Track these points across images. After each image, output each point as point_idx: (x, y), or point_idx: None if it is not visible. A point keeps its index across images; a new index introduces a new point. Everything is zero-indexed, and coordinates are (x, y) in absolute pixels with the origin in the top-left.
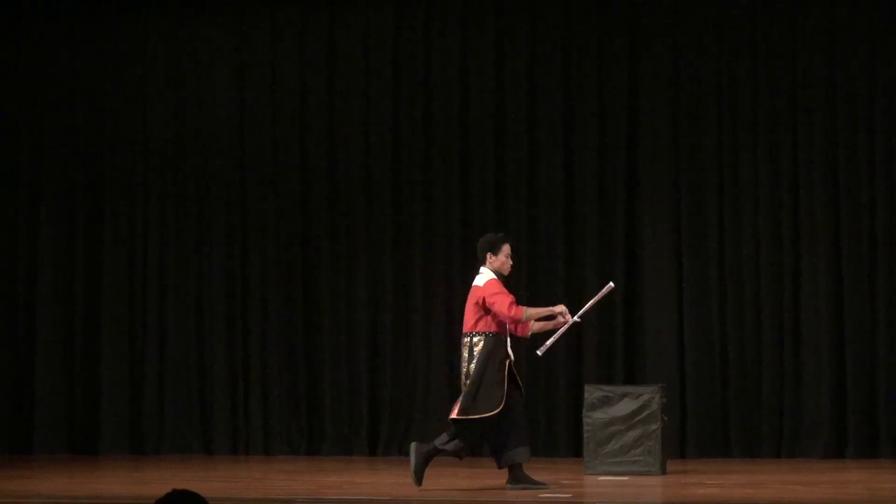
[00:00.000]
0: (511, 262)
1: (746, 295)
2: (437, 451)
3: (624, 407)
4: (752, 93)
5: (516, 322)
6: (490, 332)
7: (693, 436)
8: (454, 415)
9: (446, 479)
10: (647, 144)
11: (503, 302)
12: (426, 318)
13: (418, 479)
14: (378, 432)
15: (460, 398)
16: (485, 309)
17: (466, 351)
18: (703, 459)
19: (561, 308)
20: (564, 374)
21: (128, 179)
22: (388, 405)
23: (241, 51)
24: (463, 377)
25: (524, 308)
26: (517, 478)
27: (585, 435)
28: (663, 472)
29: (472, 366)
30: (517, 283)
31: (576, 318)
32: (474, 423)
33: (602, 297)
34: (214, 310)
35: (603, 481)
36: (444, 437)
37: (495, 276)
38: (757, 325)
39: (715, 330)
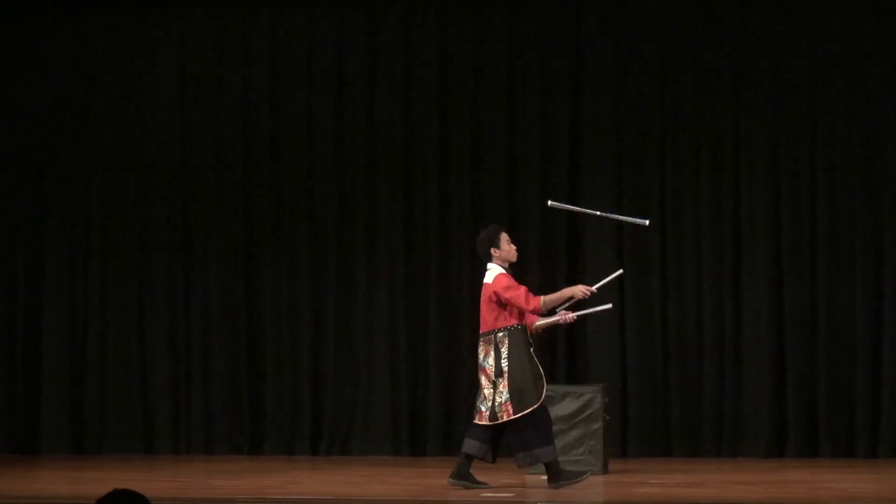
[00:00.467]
0: (515, 248)
1: (688, 295)
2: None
3: (566, 406)
4: (693, 98)
5: (538, 313)
6: (512, 326)
7: (635, 435)
8: (509, 416)
9: (391, 478)
10: (590, 150)
11: (518, 296)
12: (368, 319)
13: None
14: (320, 432)
15: (499, 399)
16: (500, 304)
17: (492, 349)
18: (644, 459)
19: (578, 289)
20: None
21: (70, 180)
22: (331, 405)
23: (184, 53)
24: (489, 376)
25: (541, 298)
26: (559, 475)
27: None
28: (605, 471)
29: (504, 363)
30: (459, 286)
31: (575, 315)
32: (526, 418)
33: (598, 312)
34: (156, 309)
35: (545, 480)
36: (473, 443)
37: (503, 270)
38: (698, 325)
39: (656, 330)
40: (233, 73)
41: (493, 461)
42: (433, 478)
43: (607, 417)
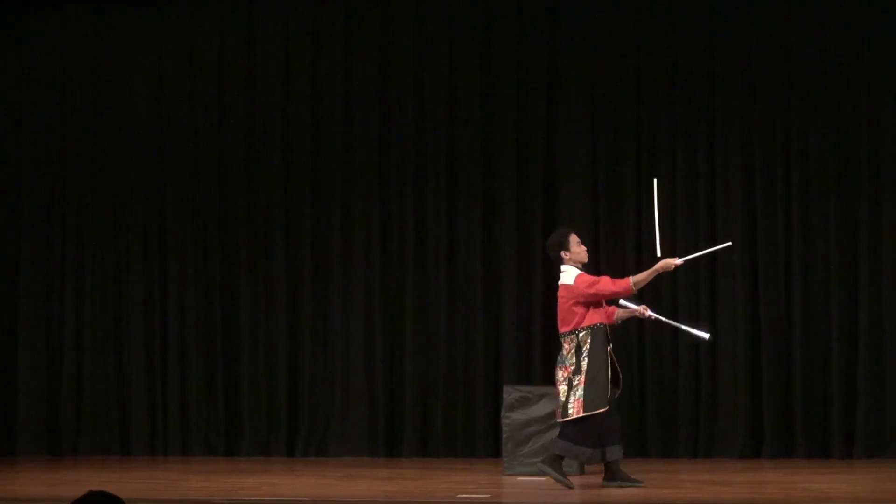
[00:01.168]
0: (584, 248)
1: (663, 296)
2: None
3: (542, 408)
4: (669, 99)
5: (630, 293)
6: (595, 325)
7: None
8: (578, 414)
9: (367, 479)
10: (565, 153)
11: (605, 284)
12: (344, 321)
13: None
14: (296, 433)
15: (573, 396)
16: (586, 304)
17: (573, 347)
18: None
19: (668, 263)
20: (483, 375)
21: (46, 179)
22: (307, 406)
23: (159, 48)
24: (567, 375)
25: (629, 279)
26: (615, 475)
27: (504, 436)
28: (581, 472)
29: (584, 362)
30: (436, 287)
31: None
32: (593, 419)
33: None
34: (132, 310)
35: (521, 482)
36: (562, 443)
37: (580, 269)
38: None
39: (632, 331)
40: (208, 73)
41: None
42: (409, 478)
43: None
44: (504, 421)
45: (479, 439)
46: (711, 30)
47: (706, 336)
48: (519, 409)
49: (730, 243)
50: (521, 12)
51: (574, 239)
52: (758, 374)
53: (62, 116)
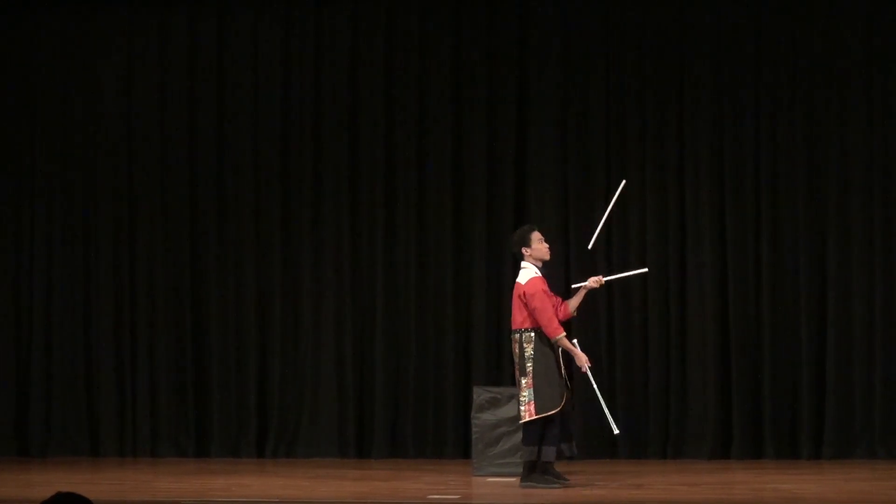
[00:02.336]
0: (547, 245)
1: (633, 297)
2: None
3: (512, 408)
4: (638, 98)
5: (552, 339)
6: (539, 328)
7: (581, 437)
8: (531, 416)
9: (337, 480)
10: (535, 147)
11: (543, 317)
12: (314, 321)
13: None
14: (266, 434)
15: (523, 397)
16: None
17: (518, 348)
18: (590, 460)
19: (584, 362)
20: (453, 376)
21: (13, 181)
22: (277, 407)
23: (130, 47)
24: (517, 374)
25: (562, 331)
26: (539, 473)
27: (474, 436)
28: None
29: (528, 364)
30: (406, 288)
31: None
32: (547, 420)
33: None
34: (101, 311)
35: (491, 482)
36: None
37: (536, 272)
38: (643, 326)
39: (602, 332)
40: (177, 68)
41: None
42: (379, 479)
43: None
44: (474, 422)
45: (449, 440)
46: (681, 36)
47: (645, 269)
48: (489, 410)
49: (646, 269)
50: (492, 19)
51: (536, 235)
52: (727, 376)
53: (32, 106)
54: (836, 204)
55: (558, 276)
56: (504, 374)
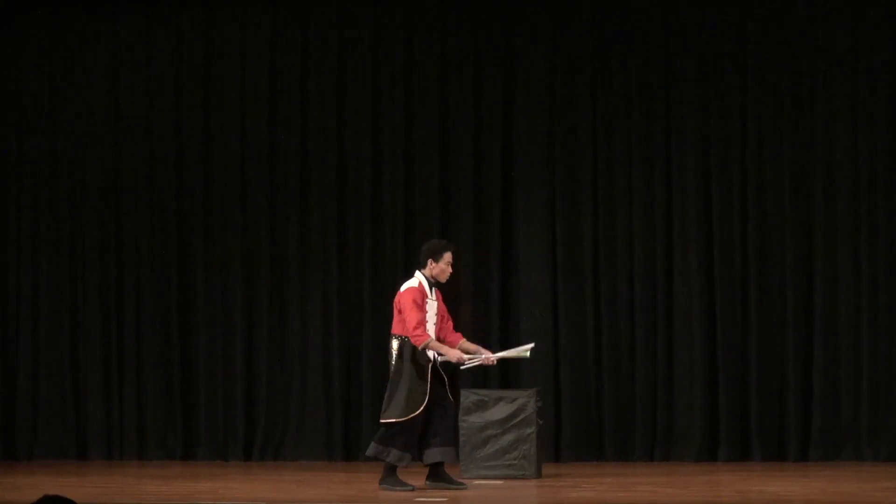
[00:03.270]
0: (451, 270)
1: (620, 299)
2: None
3: (499, 411)
4: (625, 96)
5: (417, 346)
6: (409, 337)
7: (568, 440)
8: (384, 420)
9: (324, 483)
10: (522, 150)
11: (411, 319)
12: (302, 324)
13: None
14: (253, 437)
15: (385, 401)
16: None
17: (394, 351)
18: (577, 463)
19: (459, 356)
20: None
21: (1, 184)
22: (264, 409)
23: (116, 51)
24: (391, 376)
25: (429, 337)
26: (438, 476)
27: (461, 439)
28: (539, 475)
29: (391, 369)
30: (393, 291)
31: (492, 358)
32: (399, 426)
33: (517, 355)
34: (88, 313)
35: (479, 485)
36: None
37: (419, 283)
38: (630, 329)
39: (589, 334)
40: (164, 75)
41: (420, 459)
42: (366, 482)
43: (541, 422)
44: (461, 424)
45: None
46: (667, 40)
47: (531, 345)
48: (476, 413)
49: (532, 344)
50: (477, 27)
51: (448, 257)
52: (714, 378)
53: (18, 115)
54: (823, 207)
55: (544, 282)
56: (490, 376)
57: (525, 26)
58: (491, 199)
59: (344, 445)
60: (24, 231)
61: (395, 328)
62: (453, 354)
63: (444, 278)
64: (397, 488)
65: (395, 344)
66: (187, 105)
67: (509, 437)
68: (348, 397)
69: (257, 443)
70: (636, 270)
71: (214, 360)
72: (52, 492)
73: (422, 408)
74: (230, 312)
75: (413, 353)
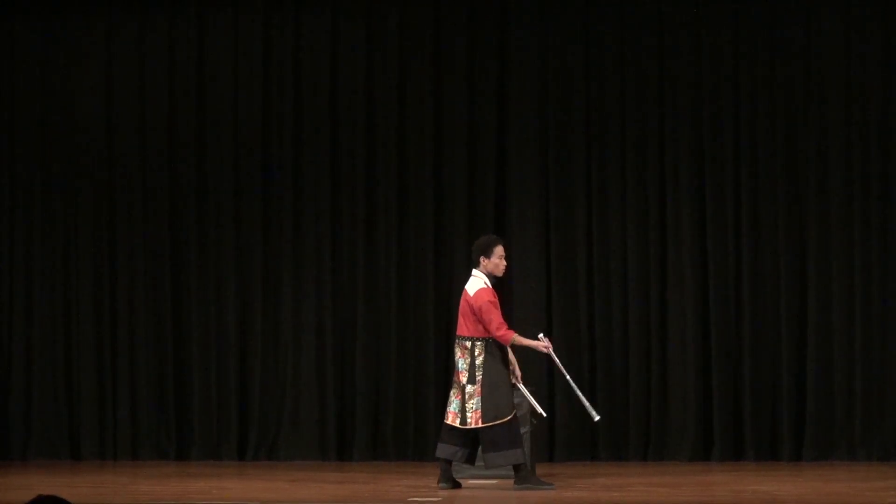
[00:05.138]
0: (504, 263)
1: (614, 299)
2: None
3: None
4: (619, 95)
5: (505, 344)
6: (490, 337)
7: (561, 439)
8: (476, 424)
9: (317, 483)
10: (516, 152)
11: (491, 321)
12: (295, 323)
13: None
14: (247, 437)
15: (470, 405)
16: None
17: (467, 353)
18: (571, 463)
19: (546, 343)
20: (434, 378)
21: None
22: (257, 410)
23: (109, 50)
24: (460, 380)
25: (514, 334)
26: (526, 478)
27: None
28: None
29: (478, 372)
30: (386, 291)
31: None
32: (509, 423)
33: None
34: (82, 313)
35: (472, 485)
36: (448, 447)
37: (486, 282)
38: (624, 328)
39: (583, 334)
40: (158, 70)
41: (472, 462)
42: (360, 482)
43: (535, 422)
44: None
45: (430, 443)
46: (660, 41)
47: (596, 417)
48: None
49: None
50: (471, 21)
51: (500, 250)
52: (707, 378)
53: (11, 110)
54: (816, 209)
55: (538, 281)
56: None
57: (519, 25)
58: (485, 203)
59: (338, 445)
60: (16, 231)
61: (469, 330)
62: (538, 345)
63: (499, 272)
64: (543, 487)
65: (476, 345)
66: (180, 104)
67: None
68: (342, 397)
69: (251, 443)
70: (630, 272)
71: (208, 360)
72: (45, 492)
73: (514, 409)
74: (223, 312)
75: (500, 352)
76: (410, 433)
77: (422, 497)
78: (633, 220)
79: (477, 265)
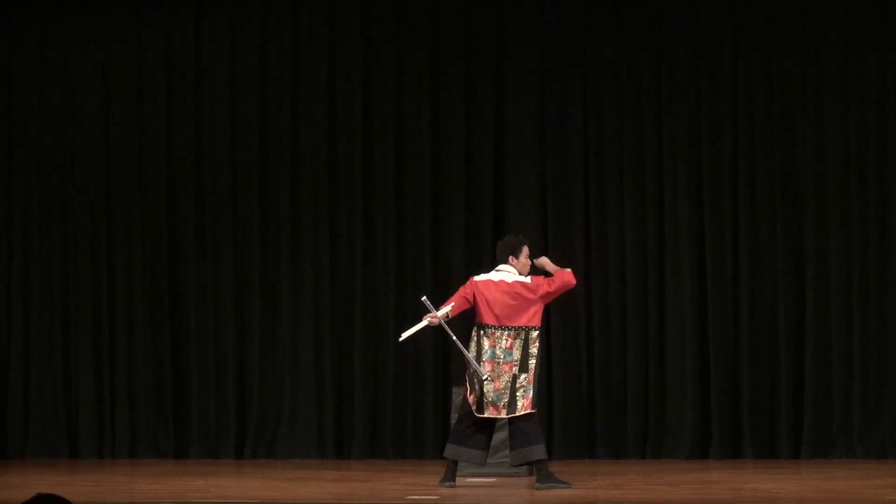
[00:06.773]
0: (530, 263)
1: (612, 298)
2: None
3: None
4: (617, 98)
5: (573, 282)
6: (541, 327)
7: (559, 437)
8: (528, 409)
9: (316, 481)
10: (514, 151)
11: (562, 276)
12: (293, 322)
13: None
14: (245, 435)
15: (521, 393)
16: (534, 302)
17: (520, 343)
18: (569, 460)
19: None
20: (432, 376)
21: None
22: (256, 408)
23: (106, 53)
24: (514, 371)
25: (567, 271)
26: (549, 476)
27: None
28: (531, 473)
29: (531, 361)
30: (384, 289)
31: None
32: (535, 417)
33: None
34: (80, 311)
35: (471, 482)
36: (474, 452)
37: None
38: (622, 326)
39: (581, 332)
40: (155, 74)
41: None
42: (358, 480)
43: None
44: (453, 422)
45: (428, 441)
46: (658, 46)
47: (484, 375)
48: None
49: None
50: (468, 27)
51: (526, 250)
52: (706, 376)
53: (9, 114)
54: (814, 207)
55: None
56: None
57: (516, 24)
58: (482, 201)
59: (336, 443)
60: (14, 230)
61: (526, 320)
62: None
63: (526, 272)
64: (562, 485)
65: (531, 335)
66: (178, 104)
67: (501, 434)
68: (340, 395)
69: (249, 441)
70: (627, 269)
71: (206, 359)
72: (44, 491)
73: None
74: (221, 310)
75: (541, 344)
76: (409, 431)
77: (420, 495)
78: (631, 219)
79: (505, 262)
